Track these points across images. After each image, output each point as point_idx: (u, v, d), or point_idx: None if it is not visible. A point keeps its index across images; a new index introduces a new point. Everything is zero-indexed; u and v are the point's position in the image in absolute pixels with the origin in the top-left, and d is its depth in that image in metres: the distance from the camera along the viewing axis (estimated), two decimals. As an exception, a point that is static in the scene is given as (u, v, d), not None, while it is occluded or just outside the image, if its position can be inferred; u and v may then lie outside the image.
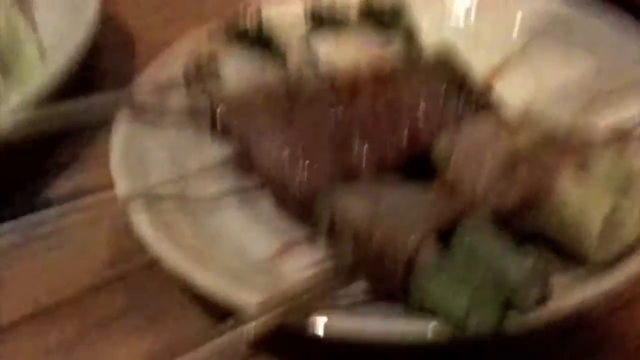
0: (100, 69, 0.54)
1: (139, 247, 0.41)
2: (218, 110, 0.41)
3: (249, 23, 0.45)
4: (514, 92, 0.45)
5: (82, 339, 0.38)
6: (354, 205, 0.34)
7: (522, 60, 0.48)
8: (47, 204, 0.44)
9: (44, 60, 0.50)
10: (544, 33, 0.48)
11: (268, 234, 0.39)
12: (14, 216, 0.38)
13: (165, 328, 0.38)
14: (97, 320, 0.38)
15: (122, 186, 0.38)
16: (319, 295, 0.32)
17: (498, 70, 0.48)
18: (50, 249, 0.42)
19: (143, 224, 0.36)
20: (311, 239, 0.39)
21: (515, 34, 0.49)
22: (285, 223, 0.40)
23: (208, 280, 0.33)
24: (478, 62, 0.45)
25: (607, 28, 0.46)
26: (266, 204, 0.41)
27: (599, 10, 0.47)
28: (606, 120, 0.41)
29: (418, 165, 0.39)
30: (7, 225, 0.37)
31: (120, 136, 0.41)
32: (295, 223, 0.40)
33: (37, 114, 0.44)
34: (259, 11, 0.46)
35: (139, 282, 0.40)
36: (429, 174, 0.38)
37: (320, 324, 0.32)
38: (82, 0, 0.52)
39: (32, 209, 0.44)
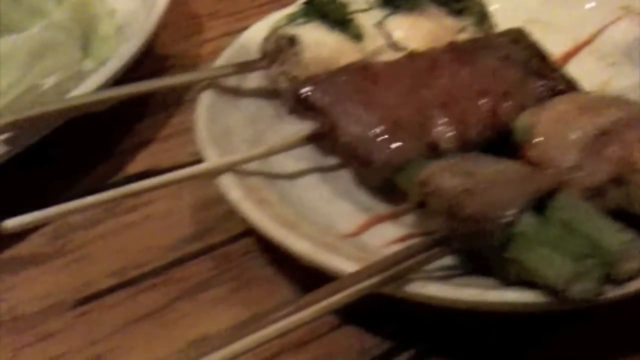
0: (171, 53, 0.56)
1: (222, 219, 0.42)
2: (301, 88, 0.42)
3: (325, 2, 0.46)
4: (585, 77, 0.45)
5: (170, 308, 0.39)
6: (446, 179, 0.35)
7: (594, 45, 0.48)
8: (127, 180, 0.46)
9: (119, 37, 0.51)
10: (616, 22, 0.48)
11: (351, 208, 0.40)
12: (94, 191, 0.39)
13: (252, 297, 0.38)
14: (184, 291, 0.39)
15: (211, 160, 0.39)
16: (414, 266, 0.33)
17: (570, 54, 0.49)
18: (135, 222, 0.43)
19: (238, 196, 0.37)
20: (395, 213, 0.39)
21: (586, 20, 0.49)
22: (367, 198, 0.41)
23: (305, 247, 0.34)
24: (549, 46, 0.46)
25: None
26: (347, 180, 0.42)
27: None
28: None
29: (500, 142, 0.40)
30: (92, 198, 0.38)
31: (205, 113, 0.42)
32: (377, 198, 0.41)
33: (116, 89, 0.45)
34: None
35: (224, 254, 0.41)
36: (509, 149, 0.39)
37: (416, 292, 0.32)
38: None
39: (112, 185, 0.46)
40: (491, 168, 0.35)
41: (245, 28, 0.56)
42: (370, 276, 0.32)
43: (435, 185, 0.35)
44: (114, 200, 0.39)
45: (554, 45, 0.46)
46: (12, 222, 0.35)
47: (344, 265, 0.33)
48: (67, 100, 0.43)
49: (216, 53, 0.56)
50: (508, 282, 0.33)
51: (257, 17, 0.58)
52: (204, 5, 0.61)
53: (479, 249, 0.33)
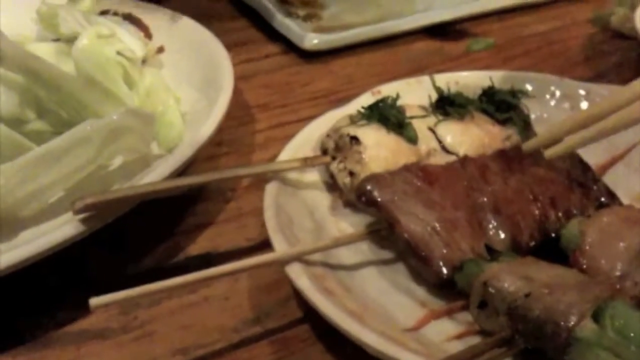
0: (224, 140, 0.59)
1: (280, 304, 0.45)
2: (365, 185, 0.45)
3: (385, 106, 0.50)
4: (621, 189, 0.49)
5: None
6: (508, 282, 0.37)
7: (630, 158, 0.52)
8: (187, 261, 0.49)
9: (185, 127, 0.54)
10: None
11: (408, 302, 0.42)
12: (156, 270, 0.41)
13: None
14: (244, 373, 0.41)
15: (280, 249, 0.42)
16: (480, 363, 0.35)
17: (606, 166, 0.52)
18: (196, 302, 0.45)
19: (306, 285, 0.39)
20: (451, 309, 0.42)
21: (622, 133, 0.53)
22: (423, 294, 0.43)
23: (374, 339, 0.36)
24: (586, 157, 0.49)
25: None
26: (403, 274, 0.44)
27: None
28: None
29: (547, 247, 0.43)
30: (159, 283, 0.40)
31: (272, 203, 0.45)
32: (433, 293, 0.43)
33: (187, 179, 0.48)
34: (392, 96, 0.51)
35: (283, 339, 0.43)
36: (557, 256, 0.42)
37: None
38: (213, 75, 0.58)
39: (173, 265, 0.48)
40: (547, 273, 0.38)
41: (292, 121, 0.61)
42: (437, 371, 0.34)
43: (497, 288, 0.37)
44: (182, 285, 0.41)
45: (590, 157, 0.50)
46: (99, 300, 0.37)
47: (412, 359, 0.35)
48: (139, 187, 0.46)
49: (267, 142, 0.60)
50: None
51: (305, 111, 0.62)
52: (255, 97, 0.65)
53: (540, 351, 0.35)
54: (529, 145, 0.48)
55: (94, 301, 0.37)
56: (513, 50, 0.71)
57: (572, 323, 0.34)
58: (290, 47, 0.72)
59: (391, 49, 0.72)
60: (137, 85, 0.54)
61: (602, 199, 0.45)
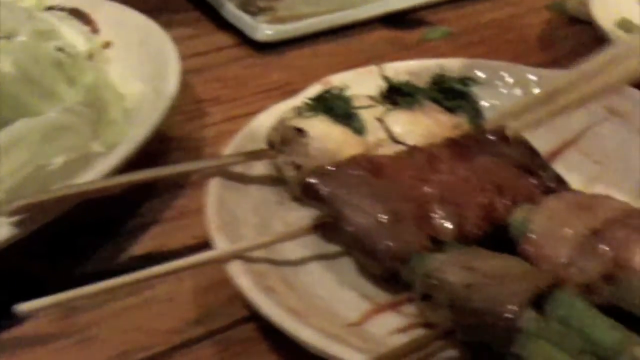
0: (175, 136, 0.58)
1: (225, 303, 0.43)
2: (307, 177, 0.44)
3: (332, 97, 0.48)
4: (572, 174, 0.48)
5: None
6: (450, 273, 0.36)
7: (581, 144, 0.51)
8: (131, 263, 0.47)
9: (129, 123, 0.53)
10: (602, 117, 0.51)
11: (354, 296, 0.41)
12: (99, 273, 0.40)
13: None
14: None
15: (221, 247, 0.41)
16: (420, 358, 0.34)
17: (557, 152, 0.52)
18: (137, 305, 0.44)
19: (247, 284, 0.38)
20: (397, 302, 0.41)
21: (573, 118, 0.52)
22: (368, 287, 0.42)
23: (314, 337, 0.35)
24: (537, 143, 0.49)
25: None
26: (349, 268, 0.43)
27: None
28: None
29: (495, 236, 0.42)
30: (100, 285, 0.39)
31: (214, 200, 0.44)
32: (379, 286, 0.42)
33: (129, 175, 0.46)
34: (340, 86, 0.50)
35: (227, 339, 0.42)
36: (505, 244, 0.41)
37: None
38: (163, 71, 0.56)
39: (116, 267, 0.47)
40: (491, 263, 0.37)
41: (245, 114, 0.60)
42: (377, 368, 0.33)
43: (439, 279, 0.36)
44: (121, 286, 0.40)
45: (541, 143, 0.49)
46: (26, 306, 0.36)
47: (352, 356, 0.34)
48: (76, 186, 0.45)
49: (218, 137, 0.59)
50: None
51: (257, 104, 0.61)
52: (207, 91, 0.63)
53: (482, 342, 0.34)
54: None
55: (20, 307, 0.36)
56: (469, 38, 0.70)
57: (512, 314, 0.33)
58: (243, 39, 0.70)
59: (347, 40, 0.71)
60: (77, 82, 0.52)
61: (551, 186, 0.44)
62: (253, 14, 0.70)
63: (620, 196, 0.45)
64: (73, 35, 0.58)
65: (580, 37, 0.69)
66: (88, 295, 0.39)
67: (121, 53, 0.62)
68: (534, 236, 0.40)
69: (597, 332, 0.33)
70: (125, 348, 0.41)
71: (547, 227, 0.40)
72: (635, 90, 0.51)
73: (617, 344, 0.33)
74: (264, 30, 0.68)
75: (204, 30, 0.73)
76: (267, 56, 0.69)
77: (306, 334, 0.36)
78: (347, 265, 0.43)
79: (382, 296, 0.41)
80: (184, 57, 0.64)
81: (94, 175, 0.46)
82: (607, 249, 0.38)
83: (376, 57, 0.67)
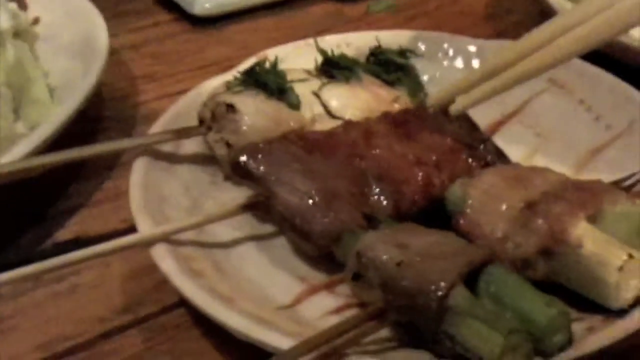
0: (107, 115, 0.55)
1: (154, 289, 0.41)
2: (238, 155, 0.42)
3: (265, 72, 0.46)
4: (513, 146, 0.47)
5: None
6: (381, 251, 0.35)
7: (522, 116, 0.50)
8: (56, 248, 0.45)
9: (54, 103, 0.50)
10: (543, 89, 0.51)
11: (287, 277, 0.40)
12: (22, 260, 0.38)
13: (185, 372, 0.38)
14: (113, 365, 0.38)
15: (144, 230, 0.39)
16: (350, 340, 0.33)
17: (498, 125, 0.51)
18: (63, 292, 0.42)
19: (171, 268, 0.37)
20: (331, 283, 0.39)
21: (514, 90, 0.51)
22: (303, 268, 0.41)
23: (240, 323, 0.34)
24: (478, 116, 0.48)
25: (604, 89, 0.48)
26: (283, 248, 0.42)
27: (596, 72, 0.50)
28: (606, 172, 0.44)
29: (433, 211, 0.41)
30: (16, 271, 0.37)
31: (139, 180, 0.42)
32: (314, 268, 0.41)
33: (49, 156, 0.44)
34: (274, 60, 0.48)
35: (156, 326, 0.40)
36: (444, 220, 0.40)
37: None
38: (91, 47, 0.54)
39: (41, 253, 0.45)
40: (425, 240, 0.36)
41: (180, 91, 0.57)
42: (308, 351, 0.32)
43: (370, 257, 0.35)
44: (41, 272, 0.38)
45: (482, 116, 0.48)
46: None
47: (280, 341, 0.33)
48: (-6, 167, 0.42)
49: (151, 115, 0.56)
50: (443, 355, 0.33)
51: (193, 80, 0.58)
52: (142, 67, 0.61)
53: (415, 322, 0.33)
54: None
55: None
56: (414, 11, 0.69)
57: (442, 291, 0.32)
58: (182, 14, 0.68)
59: (289, 14, 0.69)
60: (-1, 61, 0.49)
61: (489, 159, 0.43)
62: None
63: (561, 168, 0.44)
64: (-3, 12, 0.55)
65: (526, 9, 0.68)
66: (8, 282, 0.37)
67: (50, 29, 0.59)
68: (469, 211, 0.39)
69: (531, 309, 0.32)
70: (49, 338, 0.39)
71: (483, 202, 0.39)
72: (577, 60, 0.50)
73: (551, 322, 0.32)
74: (203, 4, 0.66)
75: (140, 5, 0.70)
76: (205, 31, 0.66)
77: (233, 320, 0.34)
78: (281, 246, 0.42)
79: (317, 277, 0.40)
80: (118, 33, 0.61)
81: (13, 156, 0.43)
82: (543, 222, 0.37)
83: (320, 31, 0.64)
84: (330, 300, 0.39)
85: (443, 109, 0.47)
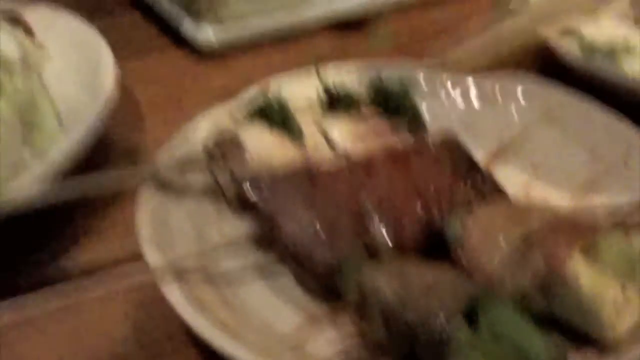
0: (113, 143, 0.56)
1: (159, 319, 0.42)
2: (242, 186, 0.43)
3: (268, 102, 0.48)
4: (510, 179, 0.48)
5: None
6: (382, 283, 0.36)
7: (518, 148, 0.51)
8: (62, 276, 0.46)
9: (62, 131, 0.51)
10: (539, 123, 0.52)
11: (290, 308, 0.41)
12: (28, 288, 0.39)
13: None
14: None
15: (152, 261, 0.39)
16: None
17: (495, 157, 0.52)
18: (65, 321, 0.42)
19: (178, 298, 0.37)
20: (333, 314, 0.40)
21: (510, 124, 0.52)
22: (306, 298, 0.41)
23: (245, 355, 0.34)
24: (475, 149, 0.49)
25: (598, 122, 0.50)
26: (286, 279, 0.42)
27: (590, 104, 0.51)
28: (601, 205, 0.45)
29: (433, 244, 0.42)
30: (23, 299, 0.38)
31: (146, 211, 0.43)
32: (316, 299, 0.41)
33: (59, 185, 0.45)
34: (277, 91, 0.49)
35: (161, 354, 0.40)
36: (443, 250, 0.41)
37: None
38: (98, 76, 0.55)
39: (47, 280, 0.45)
40: (425, 273, 0.37)
41: (185, 119, 0.58)
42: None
43: (371, 291, 0.36)
44: (46, 299, 0.39)
45: (480, 147, 0.49)
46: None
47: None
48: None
49: (156, 145, 0.56)
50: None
51: (198, 109, 0.58)
52: (146, 97, 0.61)
53: (416, 354, 0.34)
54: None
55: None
56: (414, 40, 0.70)
57: (443, 325, 0.33)
58: (185, 43, 0.69)
59: (293, 43, 0.70)
60: (6, 90, 0.50)
61: (487, 191, 0.44)
62: (196, 16, 0.69)
63: (556, 200, 0.45)
64: (4, 40, 0.56)
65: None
66: (13, 309, 0.37)
67: (55, 57, 0.60)
68: (468, 246, 0.40)
69: (528, 343, 0.33)
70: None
71: (481, 236, 0.40)
72: (572, 97, 0.52)
73: (548, 356, 0.33)
74: (208, 35, 0.67)
75: (144, 33, 0.71)
76: (210, 60, 0.67)
77: (237, 353, 0.35)
78: (284, 276, 0.43)
79: (319, 307, 0.41)
80: (121, 60, 0.62)
81: (23, 182, 0.44)
82: (539, 258, 0.38)
83: (321, 61, 0.66)
84: (332, 330, 0.39)
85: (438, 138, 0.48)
